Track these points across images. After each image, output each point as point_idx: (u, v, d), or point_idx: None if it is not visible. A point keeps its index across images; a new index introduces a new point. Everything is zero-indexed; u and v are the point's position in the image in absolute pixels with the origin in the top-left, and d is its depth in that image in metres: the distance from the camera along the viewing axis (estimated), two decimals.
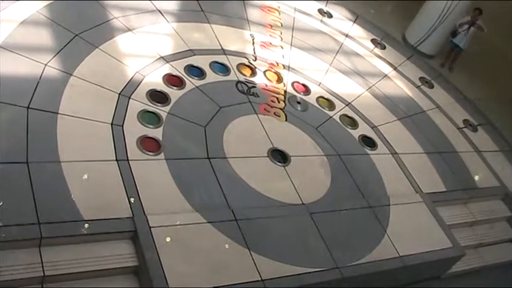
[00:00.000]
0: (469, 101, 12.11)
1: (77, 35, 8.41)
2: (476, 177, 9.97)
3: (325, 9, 12.68)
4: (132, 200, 6.54)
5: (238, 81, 9.19)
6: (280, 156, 8.22)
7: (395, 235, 7.86)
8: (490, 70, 13.64)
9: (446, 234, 8.29)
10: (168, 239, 6.40)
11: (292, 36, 11.06)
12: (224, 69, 9.30)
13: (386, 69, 11.67)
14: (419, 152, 9.75)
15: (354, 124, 9.60)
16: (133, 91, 8.01)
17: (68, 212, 6.11)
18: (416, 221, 8.33)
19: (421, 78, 11.98)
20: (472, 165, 10.17)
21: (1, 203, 5.86)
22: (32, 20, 8.31)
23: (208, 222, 6.77)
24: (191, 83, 8.68)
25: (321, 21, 12.18)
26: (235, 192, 7.37)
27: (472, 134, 11.07)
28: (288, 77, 9.88)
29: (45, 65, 7.68)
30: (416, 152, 9.72)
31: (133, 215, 6.41)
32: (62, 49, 8.06)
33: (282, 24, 11.30)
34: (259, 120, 8.66)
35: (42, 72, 7.55)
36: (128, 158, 7.03)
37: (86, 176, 6.57)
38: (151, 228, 6.35)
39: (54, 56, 7.88)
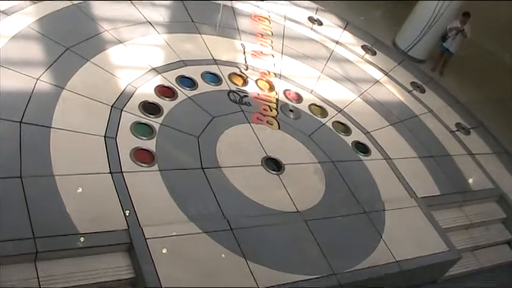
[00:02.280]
0: (461, 104, 12.15)
1: (68, 49, 8.42)
2: (471, 180, 9.99)
3: (315, 16, 12.73)
4: (127, 212, 6.54)
5: (230, 91, 9.21)
6: (274, 164, 8.23)
7: (391, 240, 7.87)
8: (481, 73, 13.72)
9: (442, 238, 8.29)
10: (164, 250, 6.39)
11: (283, 44, 11.09)
12: (216, 79, 9.32)
13: (378, 75, 11.71)
14: (413, 157, 9.77)
15: (346, 130, 9.62)
16: (126, 103, 8.02)
17: (62, 226, 6.10)
18: (411, 225, 8.33)
19: (412, 83, 12.02)
20: (465, 168, 10.19)
21: None
22: (23, 34, 8.32)
23: (204, 232, 6.76)
24: (183, 93, 8.69)
25: (311, 28, 12.23)
26: (230, 202, 7.37)
27: (465, 137, 11.10)
28: (280, 85, 9.90)
29: (37, 79, 7.68)
30: (409, 156, 9.74)
31: (128, 226, 6.40)
32: (53, 63, 8.07)
33: (272, 32, 11.34)
34: (252, 129, 8.67)
35: (34, 87, 7.55)
36: (121, 170, 7.03)
37: (80, 189, 6.56)
38: (147, 240, 6.34)
39: (46, 70, 7.89)
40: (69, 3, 9.32)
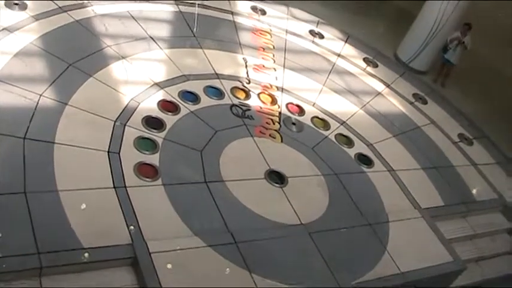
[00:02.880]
0: (463, 115, 12.17)
1: (70, 65, 8.45)
2: (474, 191, 9.99)
3: (316, 30, 12.77)
4: (131, 227, 6.53)
5: (233, 105, 9.23)
6: (277, 177, 8.23)
7: (396, 251, 7.86)
8: (483, 83, 13.74)
9: (446, 249, 8.29)
10: (168, 265, 6.38)
11: (284, 58, 11.13)
12: (218, 93, 9.34)
13: (380, 87, 11.73)
14: (416, 168, 9.77)
15: (349, 143, 9.63)
16: (129, 118, 8.04)
17: (67, 241, 6.11)
18: (416, 236, 8.33)
19: (414, 95, 12.04)
20: (469, 179, 10.20)
21: (0, 234, 5.86)
22: (25, 51, 8.36)
23: (208, 246, 6.76)
24: (186, 108, 8.71)
25: (313, 42, 12.27)
26: (234, 215, 7.37)
27: (468, 147, 11.11)
28: (282, 99, 9.93)
29: (40, 95, 7.71)
30: (412, 168, 9.75)
31: (132, 241, 6.40)
32: (56, 79, 8.10)
33: (274, 46, 11.38)
34: (255, 142, 8.68)
35: (38, 103, 7.58)
36: (125, 184, 7.03)
37: (84, 204, 6.56)
38: (152, 254, 6.34)
39: (49, 86, 7.92)
40: (71, 19, 9.35)
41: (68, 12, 9.48)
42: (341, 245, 7.67)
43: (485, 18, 14.09)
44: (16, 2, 9.16)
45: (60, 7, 9.50)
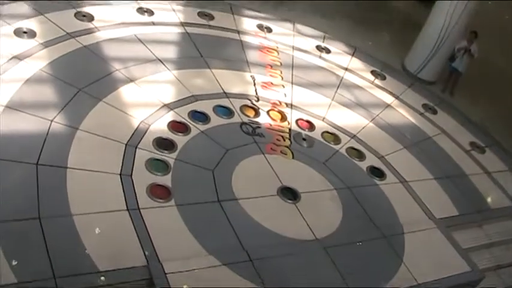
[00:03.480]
0: (474, 123, 12.14)
1: (80, 90, 8.52)
2: (489, 199, 9.93)
3: (323, 45, 12.81)
4: (146, 252, 6.53)
5: (243, 123, 9.25)
6: (290, 193, 8.23)
7: (412, 263, 7.81)
8: (492, 90, 13.72)
9: (463, 258, 8.22)
10: (185, 286, 6.37)
11: (292, 74, 11.15)
12: (228, 112, 9.37)
13: (389, 99, 11.73)
14: (429, 178, 9.73)
15: (361, 156, 9.62)
16: (140, 140, 8.08)
17: (82, 264, 6.13)
18: (432, 247, 8.27)
19: (424, 105, 12.02)
20: (483, 187, 10.14)
21: (16, 261, 5.88)
22: (35, 78, 8.44)
23: (224, 264, 6.74)
24: (196, 128, 8.74)
25: (320, 57, 12.30)
26: (248, 233, 7.36)
27: (480, 155, 11.07)
28: (292, 115, 9.94)
29: (51, 121, 7.77)
30: (425, 178, 9.71)
31: (148, 262, 6.40)
32: (66, 104, 8.17)
33: (281, 63, 11.41)
34: (267, 159, 8.68)
35: (49, 128, 7.64)
36: (138, 206, 7.06)
37: (98, 227, 6.58)
38: (167, 275, 6.33)
39: (60, 112, 7.98)
40: (79, 45, 9.44)
41: (76, 38, 9.58)
42: (357, 259, 7.63)
43: (492, 24, 14.07)
44: (25, 30, 9.26)
45: (68, 33, 9.60)
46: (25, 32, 9.24)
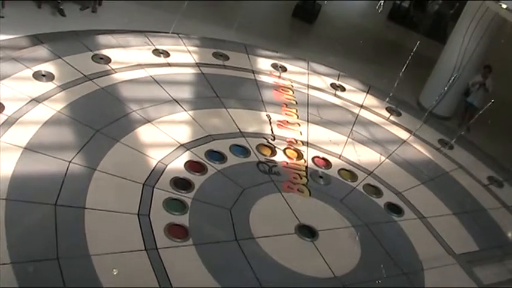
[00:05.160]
0: (491, 157, 12.08)
1: (97, 131, 8.60)
2: (509, 233, 9.83)
3: (338, 83, 12.87)
4: None
5: (259, 162, 9.28)
6: (307, 231, 8.21)
7: None
8: (508, 124, 13.65)
9: None
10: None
11: (308, 112, 11.19)
12: (244, 151, 9.40)
13: (404, 135, 11.72)
14: (447, 214, 9.67)
15: (378, 192, 9.59)
16: (157, 180, 8.12)
17: None
18: (452, 283, 8.20)
19: (440, 140, 11.99)
20: (502, 221, 10.07)
21: None
22: (53, 120, 8.54)
23: None
24: (213, 167, 8.77)
25: (335, 95, 12.34)
26: (267, 272, 7.33)
27: (498, 190, 11.00)
28: (308, 153, 9.96)
29: (69, 162, 7.84)
30: (444, 214, 9.65)
31: None
32: (84, 145, 8.25)
33: (296, 102, 11.47)
34: (284, 197, 8.69)
35: (67, 170, 7.71)
36: (156, 246, 7.06)
37: (116, 268, 6.58)
38: None
39: (78, 153, 8.05)
40: (96, 87, 9.56)
41: (93, 80, 9.71)
42: None
43: (506, 59, 14.10)
44: (43, 73, 9.41)
45: (85, 75, 9.73)
46: (43, 75, 9.39)
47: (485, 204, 10.38)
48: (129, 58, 10.72)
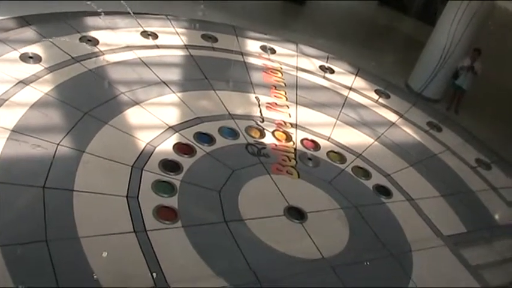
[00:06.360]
0: (479, 140, 12.15)
1: (86, 113, 8.56)
2: (496, 215, 9.90)
3: (327, 65, 12.87)
4: (154, 274, 6.50)
5: (248, 144, 9.27)
6: (296, 213, 8.21)
7: (421, 281, 7.76)
8: (496, 107, 13.73)
9: (472, 275, 8.18)
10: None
11: (296, 94, 11.19)
12: (233, 133, 9.40)
13: (393, 117, 11.76)
14: (436, 196, 9.72)
15: (366, 175, 9.62)
16: (146, 162, 8.10)
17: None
18: (440, 264, 8.24)
19: (428, 123, 12.04)
20: (490, 203, 10.13)
21: (23, 285, 5.87)
22: (41, 102, 8.49)
23: (232, 286, 6.71)
24: (201, 149, 8.76)
25: (324, 77, 12.34)
26: (256, 254, 7.34)
27: (486, 172, 11.07)
28: (297, 135, 9.96)
29: (58, 144, 7.79)
30: (432, 196, 9.70)
31: (155, 285, 6.38)
32: (72, 128, 8.20)
33: (285, 84, 11.46)
34: (273, 179, 8.69)
35: (55, 152, 7.66)
36: (145, 228, 7.04)
37: (105, 250, 6.56)
38: None
39: (66, 135, 8.01)
40: (84, 69, 9.51)
41: (81, 62, 9.65)
42: (365, 278, 7.60)
43: (496, 42, 14.12)
44: (30, 55, 9.34)
45: (73, 57, 9.68)
46: (31, 57, 9.33)
47: (473, 186, 10.43)
48: (117, 40, 10.66)
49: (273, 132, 9.78)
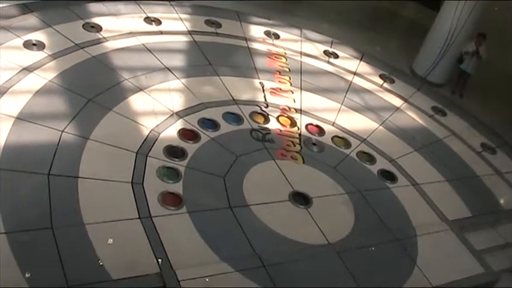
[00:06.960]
0: (484, 124, 12.10)
1: (90, 100, 8.55)
2: (502, 200, 9.88)
3: (331, 50, 12.81)
4: (159, 260, 6.53)
5: (253, 129, 9.26)
6: (301, 198, 8.22)
7: (426, 266, 7.78)
8: (501, 91, 13.66)
9: (477, 260, 8.19)
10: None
11: (301, 79, 11.15)
12: (237, 119, 9.38)
13: (398, 102, 11.71)
14: (441, 180, 9.70)
15: (371, 160, 9.61)
16: (150, 149, 8.10)
17: (96, 273, 6.13)
18: (445, 249, 8.25)
19: (433, 108, 11.98)
20: (495, 188, 10.11)
21: (29, 272, 5.89)
22: (45, 89, 8.48)
23: (237, 271, 6.74)
24: (206, 135, 8.75)
25: (328, 62, 12.29)
26: (261, 239, 7.35)
27: (491, 156, 11.03)
28: (301, 120, 9.94)
29: (62, 131, 7.80)
30: (437, 180, 9.68)
31: (161, 270, 6.40)
32: (76, 115, 8.20)
33: (289, 69, 11.42)
34: (277, 165, 8.68)
35: (60, 139, 7.67)
36: (150, 214, 7.06)
37: (111, 236, 6.59)
38: (180, 282, 6.33)
39: (70, 122, 8.01)
40: (87, 55, 9.49)
41: (85, 48, 9.63)
42: (370, 262, 7.62)
43: (500, 26, 14.03)
44: (34, 42, 9.32)
45: (76, 44, 9.65)
46: (34, 44, 9.31)
47: (478, 170, 10.40)
48: (121, 26, 10.63)
49: (277, 118, 9.76)
